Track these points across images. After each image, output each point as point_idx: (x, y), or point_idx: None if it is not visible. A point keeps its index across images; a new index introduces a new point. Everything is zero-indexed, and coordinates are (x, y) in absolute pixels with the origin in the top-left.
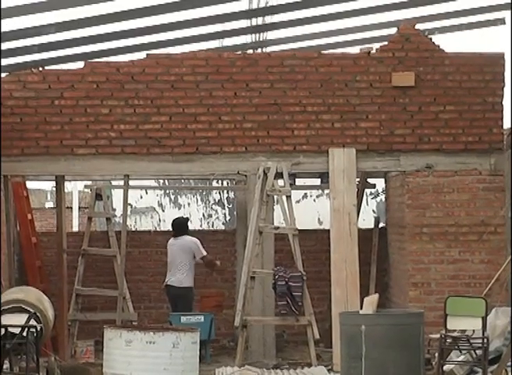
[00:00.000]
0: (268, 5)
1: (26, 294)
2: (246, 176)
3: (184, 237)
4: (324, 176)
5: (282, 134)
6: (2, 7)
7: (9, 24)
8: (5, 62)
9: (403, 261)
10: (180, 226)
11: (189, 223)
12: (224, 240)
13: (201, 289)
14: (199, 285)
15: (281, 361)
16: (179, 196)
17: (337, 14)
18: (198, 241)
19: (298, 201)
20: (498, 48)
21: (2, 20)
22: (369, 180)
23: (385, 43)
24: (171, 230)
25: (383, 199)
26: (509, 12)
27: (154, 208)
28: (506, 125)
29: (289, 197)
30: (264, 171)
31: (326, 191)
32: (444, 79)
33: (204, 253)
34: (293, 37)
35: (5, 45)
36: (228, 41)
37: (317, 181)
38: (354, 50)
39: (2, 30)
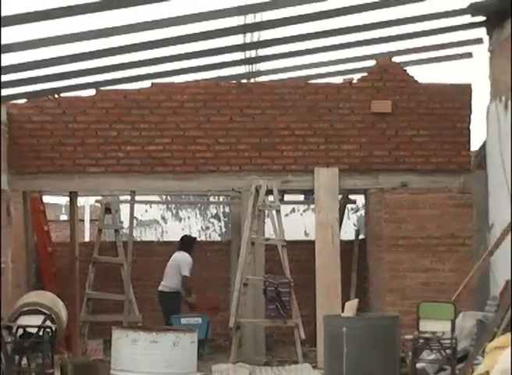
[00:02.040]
0: (260, 39)
1: (42, 298)
2: (240, 192)
3: (183, 253)
4: (307, 193)
5: (272, 155)
6: (23, 39)
7: (30, 55)
8: (24, 89)
9: (380, 269)
10: (183, 243)
11: (194, 242)
12: (220, 250)
13: (199, 294)
14: (197, 290)
15: (271, 358)
16: (179, 210)
17: (322, 48)
18: (188, 261)
19: (287, 215)
20: (466, 78)
21: (24, 52)
22: (350, 196)
23: (365, 74)
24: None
25: (363, 214)
26: (475, 47)
27: (158, 221)
28: (473, 148)
29: (278, 211)
30: (256, 188)
31: (312, 206)
32: (418, 106)
33: (185, 274)
34: (283, 68)
35: (25, 74)
36: (224, 72)
37: (301, 197)
38: (338, 80)
39: (23, 61)
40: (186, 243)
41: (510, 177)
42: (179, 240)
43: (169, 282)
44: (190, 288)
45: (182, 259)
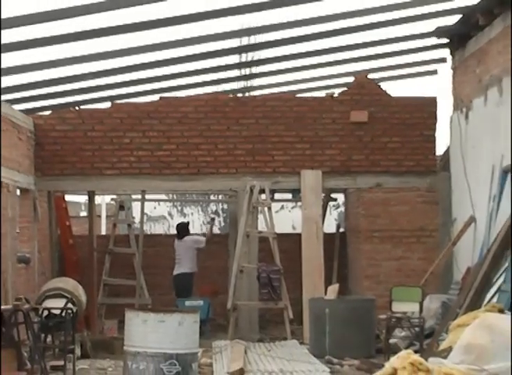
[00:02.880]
0: (254, 59)
1: (64, 284)
2: (236, 191)
3: (186, 239)
4: (294, 192)
5: (264, 159)
6: (50, 59)
7: (55, 72)
8: (48, 102)
9: (358, 258)
10: (182, 229)
11: (189, 226)
12: (219, 242)
13: (201, 280)
14: (199, 277)
15: (263, 336)
16: (184, 207)
17: (308, 66)
18: (196, 237)
19: (277, 212)
20: (432, 92)
21: (51, 69)
22: (332, 194)
23: (345, 89)
24: (176, 231)
25: (343, 210)
26: (440, 65)
27: (165, 217)
28: (439, 152)
29: (269, 208)
30: (250, 188)
31: (299, 204)
32: (391, 117)
33: (202, 240)
34: (273, 84)
35: (50, 90)
36: (223, 87)
37: (289, 196)
38: (321, 94)
39: (52, 77)
40: (184, 228)
41: (470, 178)
42: (175, 229)
43: (184, 267)
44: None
45: (193, 241)
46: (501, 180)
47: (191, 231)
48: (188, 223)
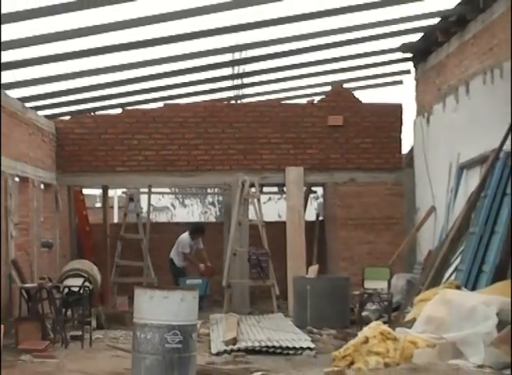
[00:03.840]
0: (245, 71)
1: (82, 265)
2: (230, 185)
3: (183, 235)
4: (280, 186)
5: (254, 158)
6: (70, 71)
7: (74, 83)
8: (68, 109)
9: (335, 242)
10: (193, 228)
11: (202, 230)
12: (215, 229)
13: (200, 261)
14: (198, 259)
15: (253, 310)
16: (185, 199)
17: (291, 77)
18: (185, 241)
19: (265, 203)
20: (398, 99)
21: (71, 80)
22: (312, 188)
23: (323, 96)
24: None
25: (322, 201)
26: (405, 76)
27: (168, 207)
28: (404, 151)
29: (258, 200)
30: (242, 182)
31: (283, 196)
32: (363, 121)
33: (184, 251)
34: (262, 92)
35: (69, 98)
36: (218, 95)
37: (275, 189)
38: (303, 101)
39: (71, 87)
40: (191, 226)
41: (431, 173)
42: (190, 225)
43: (173, 255)
44: (190, 260)
45: (181, 240)
46: (457, 175)
47: (191, 220)
48: (200, 229)
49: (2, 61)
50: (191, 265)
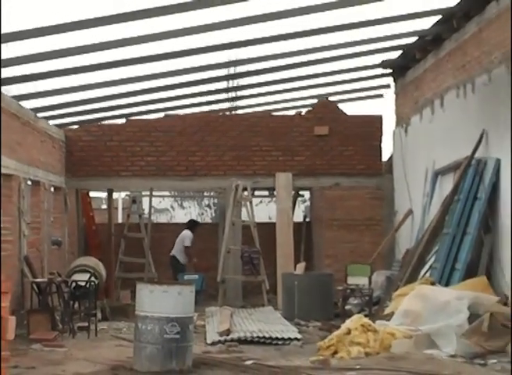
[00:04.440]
0: (238, 84)
1: (88, 261)
2: (224, 189)
3: (186, 231)
4: (270, 190)
5: (246, 164)
6: (80, 84)
7: (82, 95)
8: (77, 118)
9: (321, 242)
10: (187, 224)
11: (197, 224)
12: (211, 229)
13: (196, 258)
14: (195, 256)
15: (246, 303)
16: (183, 201)
17: (281, 90)
18: (188, 237)
19: (256, 205)
20: (379, 111)
21: (79, 93)
22: (300, 192)
23: (310, 108)
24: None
25: (308, 204)
26: (385, 90)
27: (168, 209)
28: (384, 159)
29: (250, 202)
30: (235, 186)
31: (273, 199)
32: (346, 130)
33: (187, 245)
34: (254, 104)
35: (77, 109)
36: (213, 107)
37: (266, 193)
38: (291, 112)
39: (79, 99)
40: (191, 224)
41: (408, 179)
42: (186, 222)
43: (176, 253)
44: (190, 255)
45: (185, 235)
46: (432, 181)
47: (188, 218)
48: (193, 220)
49: (16, 74)
50: (190, 259)
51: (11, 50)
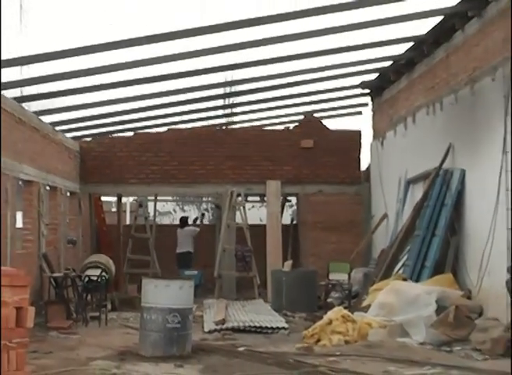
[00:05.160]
0: (233, 102)
1: (100, 258)
2: (221, 195)
3: (186, 228)
4: (261, 196)
5: (241, 172)
6: (92, 101)
7: (95, 111)
8: (90, 132)
9: (306, 242)
10: (184, 222)
11: (188, 219)
12: (209, 230)
13: (196, 256)
14: (195, 255)
15: (239, 296)
16: (184, 205)
17: (272, 107)
18: (193, 228)
19: (249, 209)
20: (358, 126)
21: (92, 109)
22: (288, 197)
23: (297, 124)
24: (179, 222)
25: (295, 208)
26: (364, 108)
27: (171, 212)
28: (362, 169)
29: (244, 207)
30: (230, 193)
31: (264, 204)
32: (329, 143)
33: (197, 230)
34: (247, 120)
35: (90, 123)
36: (211, 122)
37: (258, 198)
38: (280, 127)
39: (92, 114)
40: (184, 221)
41: (384, 187)
42: (179, 221)
43: (184, 247)
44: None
45: (190, 230)
46: (405, 189)
47: (189, 222)
48: (188, 217)
49: (37, 92)
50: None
51: (32, 71)
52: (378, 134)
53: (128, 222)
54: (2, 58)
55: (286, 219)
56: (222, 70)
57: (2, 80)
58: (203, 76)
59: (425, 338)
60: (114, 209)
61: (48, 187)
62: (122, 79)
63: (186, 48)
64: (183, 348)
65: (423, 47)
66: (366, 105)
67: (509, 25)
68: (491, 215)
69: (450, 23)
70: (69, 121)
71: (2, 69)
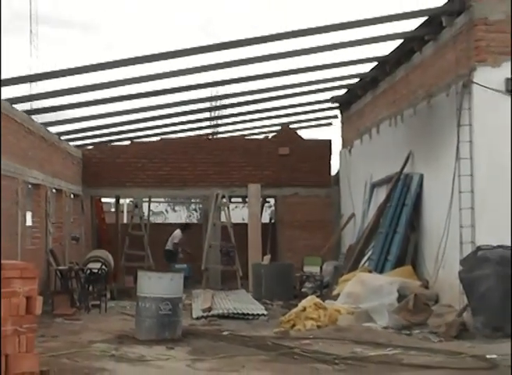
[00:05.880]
0: (219, 114)
1: (100, 253)
2: (208, 197)
3: (177, 231)
4: (244, 197)
5: (225, 177)
6: (92, 114)
7: (96, 122)
8: (91, 141)
9: (283, 239)
10: (183, 227)
11: (187, 226)
12: (197, 228)
13: (190, 250)
14: (189, 248)
15: (223, 286)
16: (175, 206)
17: (253, 119)
18: (177, 236)
19: (233, 209)
20: (329, 136)
21: (92, 121)
22: (267, 199)
23: (275, 134)
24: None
25: (273, 208)
26: (334, 120)
27: (163, 212)
28: (333, 173)
29: (228, 207)
30: (216, 195)
31: (246, 205)
32: (303, 151)
33: (175, 242)
34: (231, 130)
35: (93, 133)
36: (200, 132)
37: (240, 199)
38: (260, 137)
39: (93, 125)
40: (183, 227)
41: (351, 189)
42: (181, 224)
43: (170, 246)
44: (179, 247)
45: (175, 234)
46: (370, 191)
47: (179, 221)
48: (187, 225)
49: (44, 106)
50: (181, 251)
51: (40, 87)
52: (347, 143)
53: (125, 221)
54: (14, 75)
55: (266, 218)
56: (208, 86)
57: (14, 95)
58: (191, 91)
59: (388, 323)
60: (113, 210)
61: (54, 190)
62: (119, 94)
63: (177, 67)
64: (174, 332)
65: (386, 66)
66: (336, 117)
67: (460, 48)
68: (445, 214)
69: (410, 46)
70: (72, 131)
71: (14, 86)
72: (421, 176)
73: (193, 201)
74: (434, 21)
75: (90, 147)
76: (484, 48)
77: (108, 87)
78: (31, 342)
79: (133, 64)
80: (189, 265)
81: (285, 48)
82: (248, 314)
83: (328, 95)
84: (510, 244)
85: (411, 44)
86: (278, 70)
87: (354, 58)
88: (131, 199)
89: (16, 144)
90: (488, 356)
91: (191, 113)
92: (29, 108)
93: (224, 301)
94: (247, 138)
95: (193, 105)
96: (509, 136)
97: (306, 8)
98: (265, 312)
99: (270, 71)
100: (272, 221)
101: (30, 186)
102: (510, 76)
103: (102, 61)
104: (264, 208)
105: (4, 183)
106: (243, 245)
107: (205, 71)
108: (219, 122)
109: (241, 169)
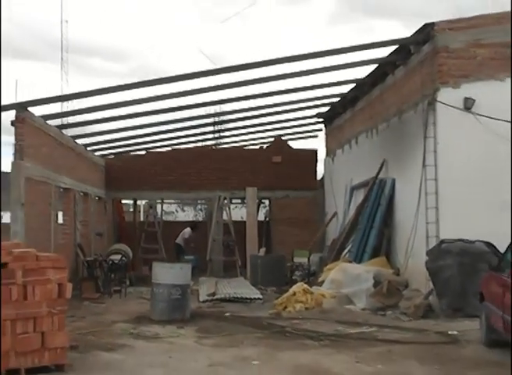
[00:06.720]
0: (221, 128)
1: (120, 246)
2: (211, 199)
3: (188, 229)
4: (242, 199)
5: (226, 181)
6: (112, 129)
7: (117, 135)
8: (111, 151)
9: (276, 234)
10: (193, 225)
11: (196, 224)
12: (202, 225)
13: (194, 244)
14: (193, 243)
15: (225, 275)
16: (184, 207)
17: (250, 132)
18: (187, 233)
19: (233, 209)
20: (315, 146)
21: (114, 134)
22: (262, 200)
23: (269, 144)
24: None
25: (268, 208)
26: (319, 132)
27: (174, 212)
28: (318, 178)
29: (229, 208)
30: (219, 197)
31: (244, 205)
32: (293, 159)
33: (186, 237)
34: (231, 142)
35: (114, 144)
36: (205, 143)
37: (239, 201)
38: (257, 147)
39: (114, 138)
40: (193, 225)
41: (334, 192)
42: (191, 222)
43: (180, 240)
44: (187, 243)
45: (185, 231)
46: (350, 193)
47: (187, 220)
48: (196, 224)
49: (77, 121)
50: (187, 245)
51: (70, 106)
52: (330, 152)
53: (141, 219)
54: (48, 96)
55: (261, 217)
56: (212, 105)
57: (48, 113)
58: (198, 108)
59: (365, 305)
60: (131, 210)
61: (81, 193)
62: (136, 111)
63: (185, 88)
64: (184, 313)
65: (363, 87)
66: (321, 130)
67: (426, 71)
68: (414, 212)
69: (383, 70)
70: (96, 143)
71: (48, 105)
72: (394, 181)
73: (199, 202)
74: (404, 49)
75: (112, 156)
76: (446, 72)
77: (126, 105)
78: (62, 321)
79: (149, 86)
80: (196, 256)
81: (278, 71)
82: (246, 298)
83: (314, 112)
84: (469, 238)
85: (385, 68)
86: (272, 90)
87: (336, 81)
88: (146, 201)
89: (49, 154)
90: (450, 332)
91: (197, 127)
92: (60, 123)
93: (226, 287)
94: (245, 148)
95: (199, 120)
96: (467, 147)
97: (295, 39)
98: (261, 297)
99: (265, 91)
100: (267, 219)
101: (61, 190)
102: (467, 96)
103: (121, 83)
104: (260, 208)
105: (40, 188)
106: (242, 240)
107: (209, 91)
108: (221, 134)
109: (240, 175)
